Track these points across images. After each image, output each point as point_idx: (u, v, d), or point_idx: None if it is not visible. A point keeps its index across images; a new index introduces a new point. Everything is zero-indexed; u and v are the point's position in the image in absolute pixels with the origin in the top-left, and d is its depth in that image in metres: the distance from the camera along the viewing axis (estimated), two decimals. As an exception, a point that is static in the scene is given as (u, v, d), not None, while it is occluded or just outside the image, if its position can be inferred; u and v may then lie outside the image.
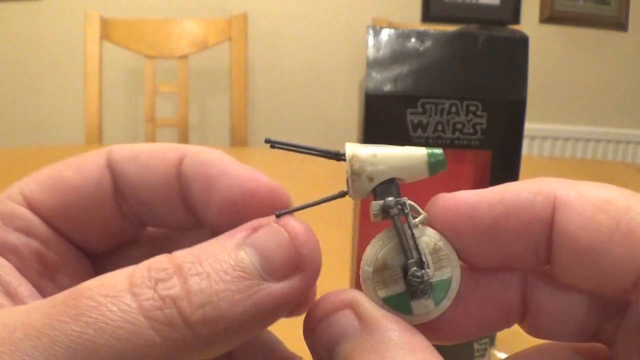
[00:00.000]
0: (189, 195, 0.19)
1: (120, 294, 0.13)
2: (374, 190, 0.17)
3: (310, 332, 0.16)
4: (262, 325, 0.15)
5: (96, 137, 1.26)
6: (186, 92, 1.35)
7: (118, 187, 0.19)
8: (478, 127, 0.36)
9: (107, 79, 1.42)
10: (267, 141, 0.16)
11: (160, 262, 0.14)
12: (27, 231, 0.18)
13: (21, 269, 0.18)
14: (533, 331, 0.18)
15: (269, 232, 0.15)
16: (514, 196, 0.16)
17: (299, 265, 0.15)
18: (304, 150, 0.17)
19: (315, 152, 0.17)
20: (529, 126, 1.80)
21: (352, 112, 1.80)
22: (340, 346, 0.15)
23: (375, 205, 0.17)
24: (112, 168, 0.19)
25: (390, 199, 0.17)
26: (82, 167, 0.19)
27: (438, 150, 0.17)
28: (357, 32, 1.74)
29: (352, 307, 0.15)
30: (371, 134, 0.35)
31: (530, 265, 0.17)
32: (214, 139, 1.78)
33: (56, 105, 1.73)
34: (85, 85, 1.26)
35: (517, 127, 0.36)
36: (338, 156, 0.17)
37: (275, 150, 0.17)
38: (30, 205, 0.18)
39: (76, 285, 0.18)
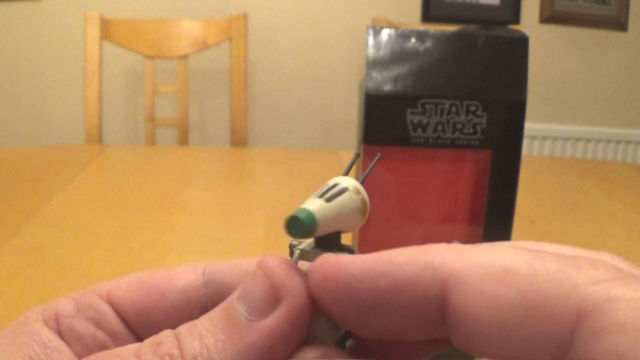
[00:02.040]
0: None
1: (127, 356, 0.15)
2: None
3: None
4: None
5: (96, 137, 1.26)
6: (186, 92, 1.35)
7: (208, 294, 0.19)
8: (478, 127, 0.36)
9: (107, 79, 1.42)
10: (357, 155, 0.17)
11: (164, 332, 0.16)
12: (98, 322, 0.19)
13: (81, 356, 0.18)
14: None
15: (250, 276, 0.16)
16: (399, 270, 0.14)
17: (278, 298, 0.15)
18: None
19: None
20: (529, 126, 1.80)
21: (352, 112, 1.80)
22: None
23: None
24: (207, 277, 0.20)
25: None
26: (176, 273, 0.20)
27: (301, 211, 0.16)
28: (357, 32, 1.74)
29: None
30: (371, 134, 0.35)
31: (426, 337, 0.15)
32: (214, 139, 1.78)
33: (56, 105, 1.73)
34: (85, 85, 1.27)
35: (517, 127, 0.36)
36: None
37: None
38: (111, 300, 0.19)
39: None
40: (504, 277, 0.13)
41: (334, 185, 0.17)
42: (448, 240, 0.37)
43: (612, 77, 1.88)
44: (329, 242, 0.17)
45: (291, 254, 0.17)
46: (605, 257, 0.15)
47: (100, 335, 0.19)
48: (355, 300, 0.15)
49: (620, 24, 1.79)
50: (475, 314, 0.13)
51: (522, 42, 0.36)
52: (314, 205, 0.16)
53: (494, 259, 0.13)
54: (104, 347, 0.19)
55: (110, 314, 0.19)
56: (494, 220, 0.37)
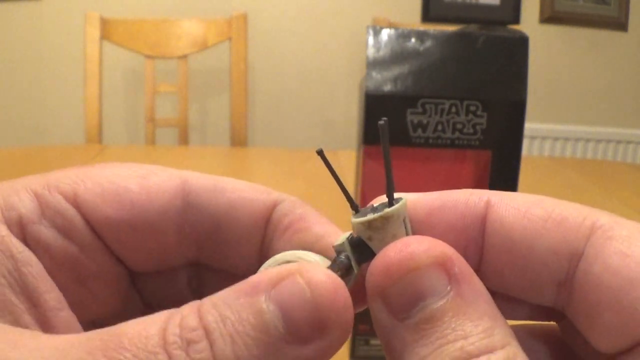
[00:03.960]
0: (270, 246, 0.19)
1: (155, 349, 0.13)
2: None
3: (386, 282, 0.15)
4: None
5: (96, 137, 1.26)
6: (186, 92, 1.35)
7: (188, 218, 0.18)
8: (478, 127, 0.36)
9: (107, 79, 1.42)
10: (318, 152, 0.17)
11: (190, 320, 0.14)
12: (67, 232, 0.17)
13: (51, 271, 0.17)
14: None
15: (292, 287, 0.14)
16: (450, 194, 0.17)
17: (324, 328, 0.14)
18: (335, 177, 0.17)
19: (341, 186, 0.17)
20: (529, 126, 1.80)
21: (352, 112, 1.80)
22: (426, 302, 0.14)
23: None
24: (187, 198, 0.18)
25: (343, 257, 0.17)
26: (153, 187, 0.18)
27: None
28: (357, 32, 1.74)
29: (444, 265, 0.14)
30: (371, 134, 0.35)
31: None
32: (214, 139, 1.78)
33: (56, 105, 1.73)
34: (85, 85, 1.26)
35: (517, 127, 0.36)
36: (355, 207, 0.17)
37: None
38: (80, 206, 0.17)
39: (107, 295, 0.18)
40: (535, 202, 0.16)
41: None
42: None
43: (612, 77, 1.88)
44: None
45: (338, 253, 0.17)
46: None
47: (72, 248, 0.17)
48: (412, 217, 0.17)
49: (620, 24, 1.79)
50: (509, 225, 0.16)
51: (522, 42, 0.36)
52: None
53: (528, 195, 0.17)
54: (75, 262, 0.17)
55: (79, 223, 0.17)
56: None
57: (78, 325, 0.17)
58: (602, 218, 0.15)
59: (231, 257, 0.19)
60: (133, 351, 0.13)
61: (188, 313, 0.14)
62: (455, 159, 0.36)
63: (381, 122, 0.15)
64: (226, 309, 0.14)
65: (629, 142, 1.90)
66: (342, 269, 0.16)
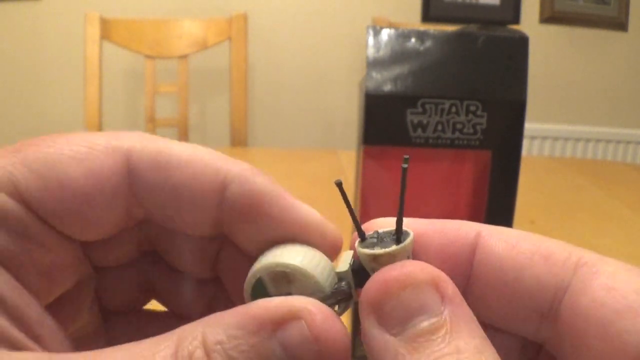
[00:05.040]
0: (230, 225, 0.18)
1: None
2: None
3: (382, 298, 0.15)
4: None
5: (96, 137, 1.25)
6: (186, 92, 1.35)
7: (136, 193, 0.18)
8: (478, 127, 0.36)
9: (107, 79, 1.42)
10: (337, 183, 0.17)
11: (196, 351, 0.14)
12: (24, 233, 0.16)
13: (20, 278, 0.16)
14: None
15: (298, 333, 0.15)
16: (442, 222, 0.18)
17: (321, 355, 0.15)
18: (349, 207, 0.17)
19: (352, 215, 0.17)
20: (529, 126, 1.80)
21: (352, 112, 1.80)
22: (420, 318, 0.15)
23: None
24: (132, 176, 0.18)
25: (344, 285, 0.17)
26: (95, 170, 0.17)
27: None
28: (357, 32, 1.74)
29: (438, 285, 0.15)
30: (371, 134, 0.35)
31: None
32: (214, 139, 1.78)
33: (56, 105, 1.73)
34: (85, 85, 1.26)
35: (517, 127, 0.36)
36: (362, 235, 0.17)
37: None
38: (24, 200, 0.16)
39: (69, 275, 0.18)
40: (524, 237, 0.17)
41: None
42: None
43: (612, 77, 1.88)
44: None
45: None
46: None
47: (28, 245, 0.16)
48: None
49: (620, 24, 1.79)
50: (500, 253, 0.17)
51: (522, 42, 0.36)
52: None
53: (514, 230, 0.17)
54: (37, 261, 0.16)
55: (30, 218, 0.16)
56: (493, 220, 0.37)
57: (62, 332, 0.17)
58: (587, 255, 0.16)
59: (184, 225, 0.19)
60: None
61: (191, 342, 0.14)
62: (455, 159, 0.36)
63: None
64: (233, 349, 0.14)
65: (629, 142, 1.90)
66: (343, 296, 0.17)
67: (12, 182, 0.16)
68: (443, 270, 0.16)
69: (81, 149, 0.17)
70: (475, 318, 0.15)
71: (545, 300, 0.16)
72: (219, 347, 0.14)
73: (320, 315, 0.15)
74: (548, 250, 0.16)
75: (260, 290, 0.17)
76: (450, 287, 0.15)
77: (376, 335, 0.15)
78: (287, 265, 0.17)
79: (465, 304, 0.15)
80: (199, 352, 0.14)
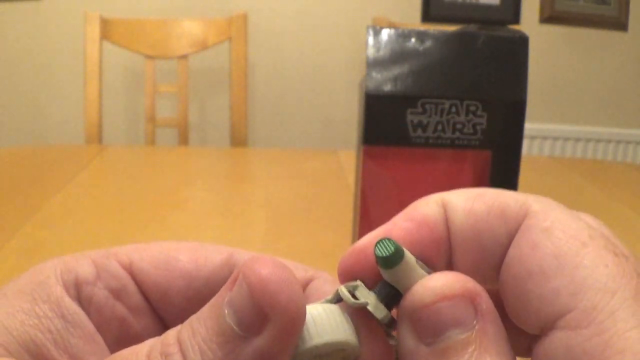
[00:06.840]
0: None
1: None
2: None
3: (420, 307, 0.15)
4: None
5: (96, 137, 1.26)
6: (186, 92, 1.35)
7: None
8: (478, 127, 0.36)
9: (107, 79, 1.42)
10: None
11: (169, 337, 0.15)
12: (119, 295, 0.19)
13: (100, 327, 0.18)
14: None
15: (238, 285, 0.15)
16: (408, 212, 0.18)
17: (266, 315, 0.14)
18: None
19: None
20: (529, 126, 1.80)
21: (352, 112, 1.80)
22: (453, 332, 0.15)
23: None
24: (233, 270, 0.19)
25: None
26: (201, 259, 0.20)
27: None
28: (357, 32, 1.74)
29: (474, 299, 0.15)
30: (371, 134, 0.35)
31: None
32: (214, 139, 1.78)
33: (56, 105, 1.73)
34: (85, 85, 1.26)
35: (517, 127, 0.36)
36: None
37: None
38: (134, 273, 0.19)
39: None
40: (479, 194, 0.17)
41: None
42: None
43: (612, 77, 1.88)
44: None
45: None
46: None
47: (120, 308, 0.19)
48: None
49: (620, 24, 1.79)
50: (459, 222, 0.17)
51: (522, 42, 0.36)
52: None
53: (470, 189, 0.18)
54: (122, 321, 0.19)
55: (132, 287, 0.19)
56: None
57: None
58: (535, 204, 0.16)
59: None
60: None
61: (170, 332, 0.16)
62: (455, 159, 0.36)
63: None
64: (197, 322, 0.15)
65: (629, 142, 1.90)
66: (388, 294, 0.17)
67: (128, 258, 0.19)
68: (428, 249, 0.16)
69: (192, 244, 0.20)
70: (505, 335, 0.15)
71: (500, 256, 0.16)
72: (187, 326, 0.15)
73: (259, 266, 0.15)
74: (502, 204, 0.16)
75: None
76: (484, 301, 0.15)
77: (410, 343, 0.16)
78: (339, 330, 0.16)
79: (498, 320, 0.15)
80: (172, 333, 0.15)
